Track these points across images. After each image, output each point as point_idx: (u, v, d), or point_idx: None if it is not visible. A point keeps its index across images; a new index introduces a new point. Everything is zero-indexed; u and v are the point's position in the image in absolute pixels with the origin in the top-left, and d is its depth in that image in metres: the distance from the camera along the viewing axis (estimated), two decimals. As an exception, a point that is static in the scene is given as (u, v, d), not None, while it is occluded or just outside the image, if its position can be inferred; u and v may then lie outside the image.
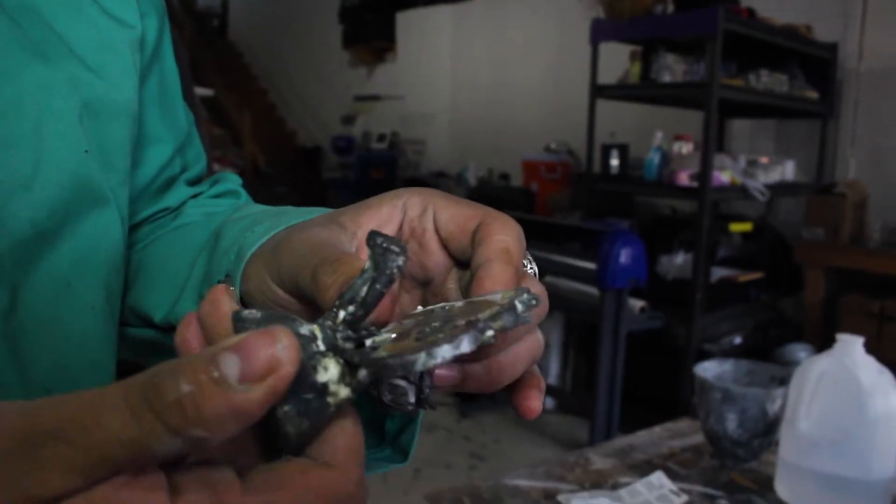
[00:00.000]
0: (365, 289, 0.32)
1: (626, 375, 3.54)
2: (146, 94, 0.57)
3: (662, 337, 3.72)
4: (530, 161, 5.51)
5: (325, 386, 0.29)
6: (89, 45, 0.48)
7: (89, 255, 0.48)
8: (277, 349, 0.25)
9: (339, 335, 0.31)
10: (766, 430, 1.35)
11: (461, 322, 0.31)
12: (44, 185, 0.44)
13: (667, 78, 3.75)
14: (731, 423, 1.36)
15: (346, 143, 7.97)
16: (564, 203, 5.07)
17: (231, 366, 0.25)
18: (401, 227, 0.39)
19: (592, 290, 3.56)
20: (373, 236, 0.32)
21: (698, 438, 1.50)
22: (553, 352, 4.21)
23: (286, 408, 0.28)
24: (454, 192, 6.35)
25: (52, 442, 0.24)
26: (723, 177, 3.72)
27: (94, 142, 0.48)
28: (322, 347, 0.30)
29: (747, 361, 1.49)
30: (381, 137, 7.67)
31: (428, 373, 0.33)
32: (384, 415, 0.44)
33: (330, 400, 0.29)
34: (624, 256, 3.37)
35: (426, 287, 0.41)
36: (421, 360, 0.29)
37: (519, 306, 0.31)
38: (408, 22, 7.63)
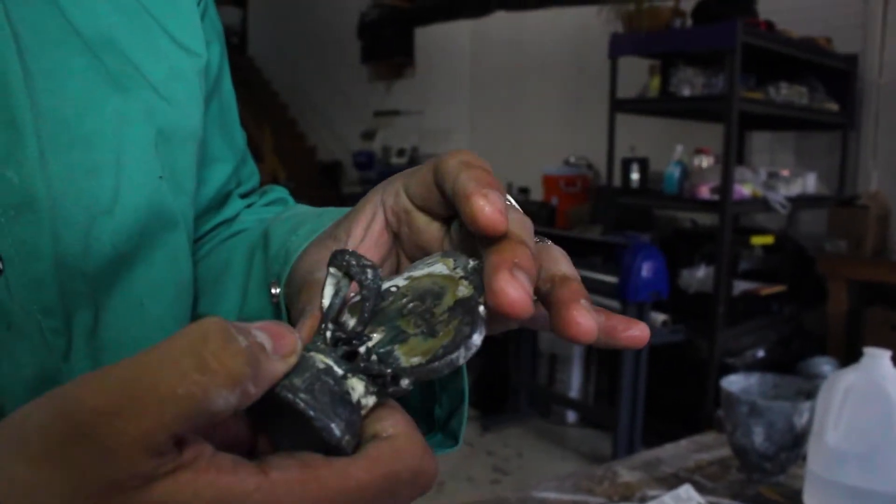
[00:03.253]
0: (339, 302, 0.34)
1: (649, 388, 3.54)
2: (209, 118, 0.60)
3: (685, 350, 3.72)
4: (550, 175, 5.52)
5: (358, 403, 0.32)
6: (161, 75, 0.51)
7: (161, 276, 0.50)
8: (296, 338, 0.30)
9: (337, 352, 0.33)
10: (794, 444, 1.36)
11: (446, 304, 0.34)
12: (124, 210, 0.47)
13: (686, 91, 3.76)
14: (758, 436, 1.36)
15: (366, 158, 8.01)
16: (585, 217, 5.07)
17: (265, 339, 0.29)
18: (386, 220, 0.41)
19: (614, 304, 3.56)
20: (338, 256, 0.34)
21: (725, 451, 1.51)
22: (575, 365, 4.21)
23: (340, 434, 0.30)
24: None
25: (108, 421, 0.25)
26: (744, 190, 3.71)
27: (167, 167, 0.50)
28: (340, 372, 0.32)
29: (773, 375, 1.50)
30: (401, 152, 7.71)
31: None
32: (433, 403, 0.47)
33: (363, 412, 0.32)
34: (645, 270, 3.38)
35: None
36: (462, 356, 0.31)
37: (472, 272, 0.35)
38: (426, 37, 7.68)
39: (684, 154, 3.91)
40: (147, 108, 0.49)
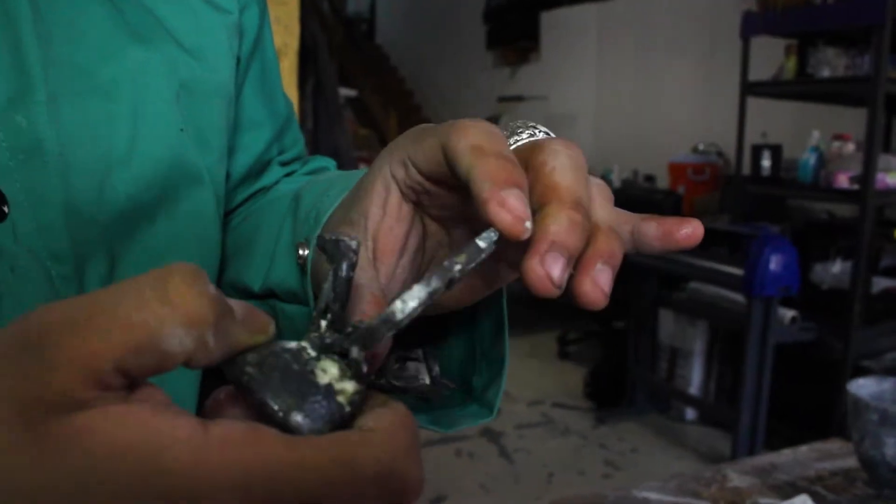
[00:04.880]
0: (329, 288, 0.33)
1: (774, 389, 3.35)
2: (249, 81, 0.60)
3: (815, 350, 3.50)
4: (677, 163, 5.32)
5: (329, 387, 0.29)
6: (186, 29, 0.51)
7: (183, 231, 0.50)
8: (269, 322, 0.29)
9: (327, 341, 0.31)
10: (930, 458, 1.23)
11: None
12: (141, 160, 0.47)
13: (826, 73, 3.51)
14: (891, 448, 1.24)
15: (489, 144, 7.98)
16: (713, 206, 4.87)
17: (237, 307, 0.28)
18: (402, 192, 0.38)
19: (739, 298, 3.39)
20: (320, 241, 0.33)
21: (851, 462, 1.39)
22: (696, 360, 4.05)
23: (278, 407, 0.28)
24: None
25: (57, 335, 0.24)
26: (888, 179, 3.44)
27: (190, 121, 0.50)
28: (313, 353, 0.30)
29: (909, 380, 1.36)
30: (524, 138, 7.63)
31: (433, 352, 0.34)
32: (472, 372, 0.45)
33: (341, 399, 0.29)
34: (774, 263, 3.20)
35: (469, 222, 0.40)
36: (398, 308, 0.30)
37: (480, 243, 0.32)
38: (552, 22, 7.56)
39: (821, 140, 3.67)
40: (169, 61, 0.49)
